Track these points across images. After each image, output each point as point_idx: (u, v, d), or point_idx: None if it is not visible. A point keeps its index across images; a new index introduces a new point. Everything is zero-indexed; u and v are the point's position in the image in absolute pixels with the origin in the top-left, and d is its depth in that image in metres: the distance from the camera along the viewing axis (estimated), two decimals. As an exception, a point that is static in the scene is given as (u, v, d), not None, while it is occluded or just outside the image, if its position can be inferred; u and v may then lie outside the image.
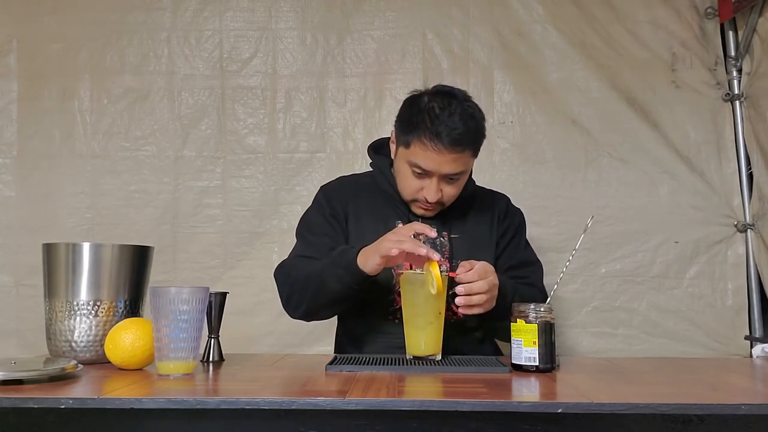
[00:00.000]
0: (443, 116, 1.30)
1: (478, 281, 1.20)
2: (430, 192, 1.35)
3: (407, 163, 1.36)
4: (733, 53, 2.03)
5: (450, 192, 1.39)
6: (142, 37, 2.07)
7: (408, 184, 1.39)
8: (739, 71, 2.02)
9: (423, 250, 1.16)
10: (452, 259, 1.42)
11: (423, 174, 1.35)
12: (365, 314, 1.42)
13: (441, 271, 1.18)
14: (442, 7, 2.06)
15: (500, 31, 2.05)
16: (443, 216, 1.45)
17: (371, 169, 1.55)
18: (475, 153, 1.39)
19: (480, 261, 1.24)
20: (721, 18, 2.01)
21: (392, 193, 1.47)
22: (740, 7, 1.94)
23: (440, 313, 1.20)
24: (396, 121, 1.43)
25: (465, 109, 1.34)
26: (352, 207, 1.48)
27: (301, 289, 1.34)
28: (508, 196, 1.61)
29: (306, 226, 1.50)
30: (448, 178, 1.36)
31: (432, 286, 1.16)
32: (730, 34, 2.04)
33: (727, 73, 2.02)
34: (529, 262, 1.52)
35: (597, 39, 2.03)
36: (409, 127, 1.35)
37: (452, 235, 1.45)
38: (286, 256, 1.48)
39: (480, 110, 1.38)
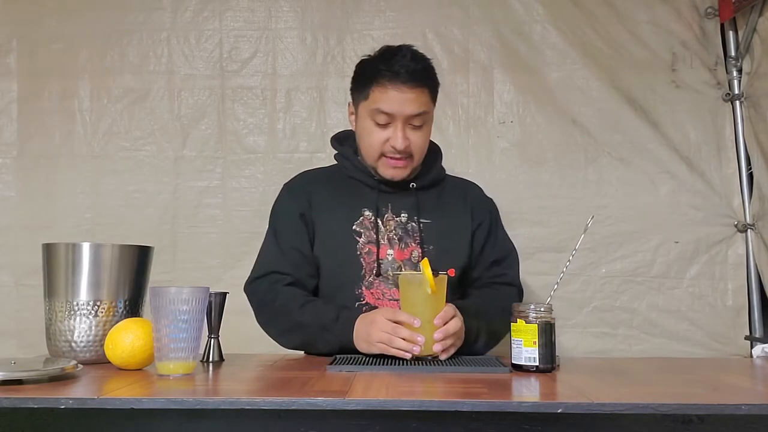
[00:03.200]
0: (397, 58, 1.36)
1: (453, 319, 1.20)
2: (396, 138, 1.37)
3: (369, 117, 1.39)
4: (733, 53, 2.03)
5: (416, 141, 1.39)
6: (142, 37, 2.07)
7: (373, 140, 1.39)
8: (740, 71, 2.02)
9: (404, 344, 1.16)
10: (423, 244, 1.41)
11: (387, 121, 1.37)
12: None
13: (441, 272, 1.18)
14: (442, 7, 2.06)
15: (500, 31, 2.05)
16: (414, 200, 1.45)
17: (336, 162, 1.55)
18: (433, 96, 1.41)
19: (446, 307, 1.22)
20: (721, 18, 2.01)
21: (360, 178, 1.47)
22: (740, 7, 1.94)
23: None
24: (351, 87, 1.46)
25: (414, 51, 1.40)
26: (316, 199, 1.47)
27: (286, 330, 1.40)
28: (479, 185, 1.61)
29: (275, 235, 1.49)
30: (412, 125, 1.38)
31: (427, 285, 1.17)
32: (731, 33, 2.04)
33: (727, 73, 2.02)
34: (507, 251, 1.52)
35: (597, 39, 2.03)
36: (365, 79, 1.39)
37: (422, 220, 1.44)
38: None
39: (430, 60, 1.44)
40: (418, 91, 1.36)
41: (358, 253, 1.41)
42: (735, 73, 2.02)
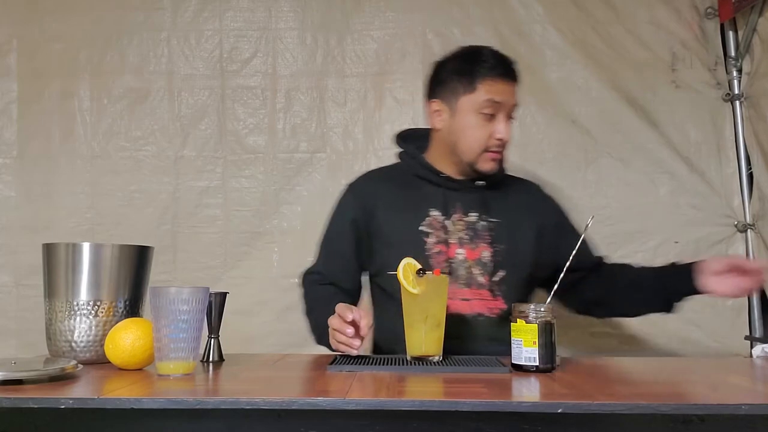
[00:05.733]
0: (489, 56, 1.41)
1: None
2: (501, 128, 1.39)
3: (474, 110, 1.39)
4: (733, 53, 2.03)
5: (510, 134, 1.42)
6: (142, 37, 2.07)
7: (479, 134, 1.40)
8: (739, 71, 2.02)
9: (343, 339, 1.19)
10: (493, 244, 1.41)
11: (493, 112, 1.39)
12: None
13: (427, 271, 1.18)
14: (442, 7, 2.06)
15: (500, 31, 2.05)
16: (481, 199, 1.45)
17: (398, 161, 1.55)
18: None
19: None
20: (721, 18, 2.01)
21: (425, 176, 1.46)
22: (740, 7, 1.94)
23: (436, 315, 1.20)
24: (435, 86, 1.47)
25: (494, 50, 1.44)
26: (380, 201, 1.47)
27: (310, 328, 1.45)
28: (537, 183, 1.61)
29: (327, 236, 1.53)
30: (509, 118, 1.42)
31: (410, 287, 1.17)
32: (730, 34, 2.04)
33: (727, 73, 2.03)
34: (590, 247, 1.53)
35: (597, 39, 2.03)
36: (468, 73, 1.40)
37: (491, 219, 1.44)
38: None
39: None
40: (515, 85, 1.42)
41: (428, 253, 1.40)
42: (735, 73, 2.02)
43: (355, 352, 1.19)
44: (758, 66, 1.93)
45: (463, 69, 1.42)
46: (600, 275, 1.51)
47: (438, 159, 1.48)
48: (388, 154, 2.04)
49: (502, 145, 1.41)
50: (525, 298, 1.46)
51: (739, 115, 2.00)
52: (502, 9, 2.05)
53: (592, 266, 1.51)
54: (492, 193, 1.46)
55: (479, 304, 1.39)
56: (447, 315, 1.21)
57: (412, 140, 1.53)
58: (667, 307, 1.41)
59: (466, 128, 1.41)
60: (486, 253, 1.41)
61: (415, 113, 2.04)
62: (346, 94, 2.07)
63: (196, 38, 2.08)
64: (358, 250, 1.48)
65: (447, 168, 1.46)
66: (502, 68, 1.40)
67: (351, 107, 2.07)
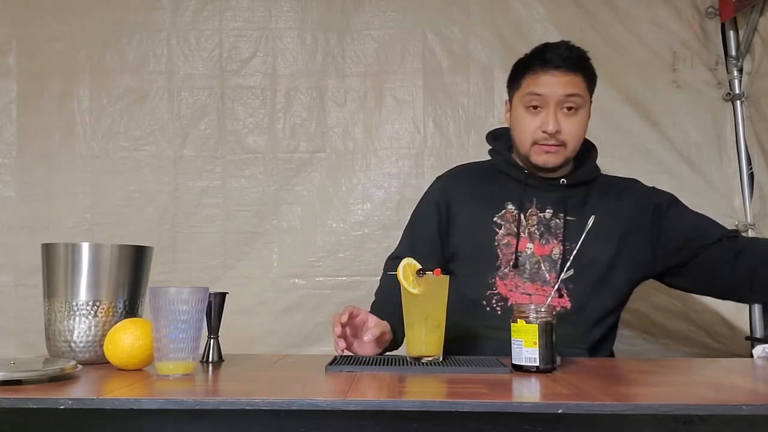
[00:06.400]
0: (551, 49, 1.41)
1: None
2: (547, 121, 1.38)
3: (521, 103, 1.42)
4: (733, 53, 2.03)
5: (568, 127, 1.40)
6: (141, 37, 2.07)
7: (526, 126, 1.42)
8: (740, 71, 2.02)
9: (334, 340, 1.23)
10: (565, 242, 1.40)
11: (538, 103, 1.39)
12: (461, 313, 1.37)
13: (428, 272, 1.18)
14: (442, 7, 2.06)
15: (500, 31, 2.05)
16: (560, 197, 1.44)
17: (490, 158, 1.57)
18: (588, 85, 1.43)
19: None
20: (721, 17, 2.01)
21: (508, 172, 1.49)
22: (741, 7, 1.94)
23: (436, 315, 1.19)
24: (507, 84, 1.50)
25: (570, 44, 1.43)
26: (460, 190, 1.51)
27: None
28: (638, 180, 1.54)
29: (412, 220, 1.58)
30: (565, 110, 1.39)
31: (411, 287, 1.17)
32: (731, 33, 2.04)
33: (727, 72, 2.02)
34: (701, 216, 1.47)
35: (597, 39, 2.03)
36: (519, 70, 1.44)
37: (568, 217, 1.42)
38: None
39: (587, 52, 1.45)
40: (571, 75, 1.39)
41: (496, 243, 1.42)
42: (735, 73, 2.02)
43: (338, 352, 1.23)
44: (759, 65, 1.93)
45: (516, 66, 1.46)
46: (734, 249, 1.39)
47: (517, 156, 1.51)
48: (388, 154, 2.05)
49: (553, 137, 1.39)
50: (603, 306, 1.41)
51: (739, 115, 2.00)
52: (503, 8, 2.05)
53: (719, 239, 1.41)
54: (575, 191, 1.45)
55: (541, 300, 1.37)
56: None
57: (504, 140, 1.55)
58: None
59: (517, 122, 1.45)
60: (556, 251, 1.40)
61: (415, 113, 2.04)
62: (346, 94, 2.07)
63: (195, 38, 2.08)
64: (440, 232, 1.50)
65: (525, 164, 1.48)
66: (556, 61, 1.38)
67: (351, 107, 2.06)
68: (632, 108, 2.01)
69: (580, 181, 1.46)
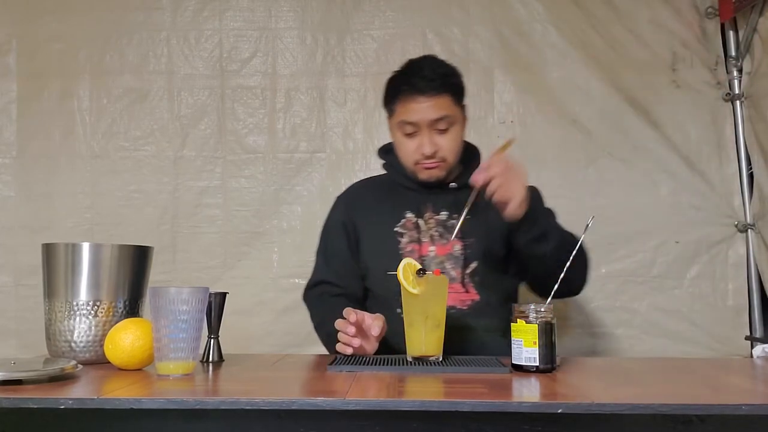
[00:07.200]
0: (413, 71, 1.43)
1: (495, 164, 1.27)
2: (424, 144, 1.42)
3: (398, 130, 1.45)
4: (733, 53, 2.03)
5: (444, 144, 1.43)
6: (141, 37, 2.07)
7: (405, 150, 1.46)
8: (740, 71, 2.02)
9: (344, 339, 1.24)
10: (463, 238, 1.45)
11: (413, 130, 1.42)
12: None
13: (428, 272, 1.18)
14: (442, 7, 2.06)
15: (500, 31, 2.05)
16: (453, 199, 1.47)
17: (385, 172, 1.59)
18: (456, 98, 1.44)
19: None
20: (721, 18, 2.01)
21: (404, 183, 1.52)
22: (741, 7, 1.94)
23: (436, 315, 1.19)
24: (383, 103, 1.51)
25: (433, 61, 1.47)
26: (361, 206, 1.54)
27: (317, 332, 1.49)
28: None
29: (322, 244, 1.57)
30: (438, 130, 1.42)
31: (410, 287, 1.17)
32: (731, 33, 2.04)
33: (727, 72, 2.02)
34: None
35: (597, 39, 2.03)
36: (390, 97, 1.46)
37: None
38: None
39: (452, 66, 1.47)
40: (436, 98, 1.40)
41: (401, 252, 1.45)
42: (735, 73, 2.02)
43: (350, 350, 1.22)
44: (759, 66, 1.93)
45: (386, 93, 1.48)
46: None
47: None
48: (387, 154, 2.05)
49: (435, 156, 1.43)
50: (505, 291, 1.48)
51: (739, 115, 2.00)
52: (503, 8, 2.05)
53: None
54: (466, 192, 1.45)
55: (451, 297, 1.41)
56: None
57: (394, 152, 1.57)
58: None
59: (398, 146, 1.50)
60: (457, 248, 1.45)
61: (415, 113, 2.04)
62: (346, 94, 2.07)
63: (195, 38, 2.08)
64: (351, 251, 1.52)
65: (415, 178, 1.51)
66: (421, 87, 1.40)
67: (351, 107, 2.07)
68: (632, 108, 2.01)
69: (468, 182, 1.48)
